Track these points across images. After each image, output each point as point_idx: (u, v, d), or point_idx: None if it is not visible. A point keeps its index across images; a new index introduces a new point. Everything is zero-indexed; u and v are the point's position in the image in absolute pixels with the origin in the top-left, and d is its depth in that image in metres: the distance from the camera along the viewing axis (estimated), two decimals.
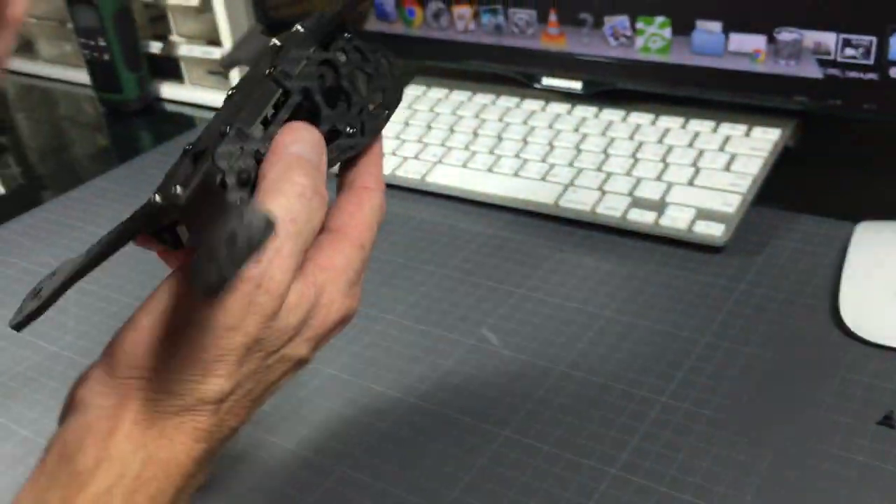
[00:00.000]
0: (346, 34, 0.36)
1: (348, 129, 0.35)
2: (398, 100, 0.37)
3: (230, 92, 0.34)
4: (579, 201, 0.57)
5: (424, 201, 0.63)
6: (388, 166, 0.64)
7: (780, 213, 0.56)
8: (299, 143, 0.31)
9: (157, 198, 0.31)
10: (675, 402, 0.43)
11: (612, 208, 0.56)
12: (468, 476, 0.40)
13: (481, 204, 0.61)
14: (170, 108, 0.86)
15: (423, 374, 0.46)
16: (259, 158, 0.32)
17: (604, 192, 0.57)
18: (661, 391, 0.43)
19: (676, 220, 0.54)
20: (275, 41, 0.36)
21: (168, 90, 0.86)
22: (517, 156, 0.62)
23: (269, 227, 0.25)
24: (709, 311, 0.49)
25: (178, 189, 0.30)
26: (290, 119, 0.33)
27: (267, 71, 0.33)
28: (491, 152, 0.63)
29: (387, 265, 0.56)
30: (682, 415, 0.42)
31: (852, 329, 0.45)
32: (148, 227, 0.33)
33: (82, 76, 0.90)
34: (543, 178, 0.60)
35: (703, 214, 0.54)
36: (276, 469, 0.41)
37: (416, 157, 0.65)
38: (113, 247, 0.33)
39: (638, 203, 0.56)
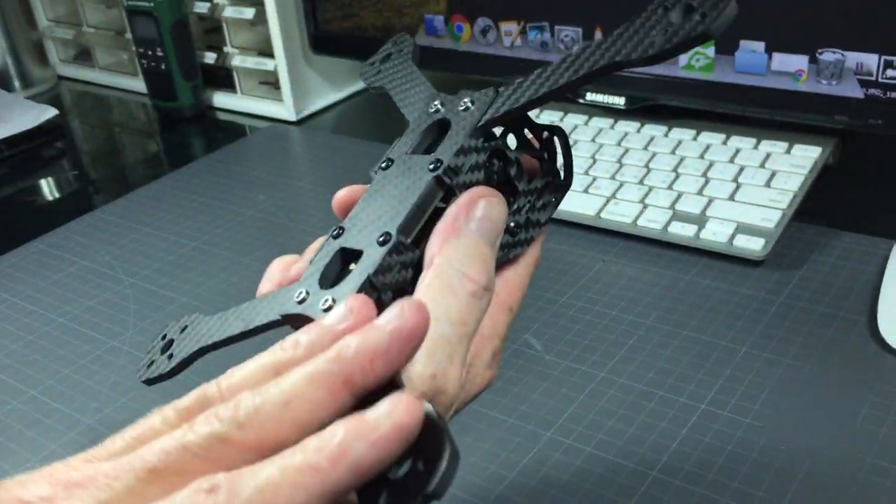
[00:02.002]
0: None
1: (513, 226, 0.31)
2: (568, 185, 0.33)
3: (384, 164, 0.32)
4: (621, 213, 0.59)
5: None
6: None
7: (820, 230, 0.57)
8: (481, 219, 0.28)
9: (319, 312, 0.29)
10: (715, 409, 0.44)
11: (654, 221, 0.57)
12: (510, 475, 0.41)
13: None
14: (222, 116, 0.89)
15: None
16: (418, 269, 0.29)
17: (645, 205, 0.59)
18: (702, 398, 0.45)
19: (717, 233, 0.55)
20: (437, 105, 0.33)
21: (221, 99, 0.89)
22: None
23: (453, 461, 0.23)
24: (748, 322, 0.50)
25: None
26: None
27: (431, 165, 0.30)
28: None
29: None
30: (722, 421, 0.43)
31: (890, 343, 0.46)
32: (290, 322, 0.30)
33: (137, 84, 0.93)
34: (586, 191, 0.61)
35: (744, 229, 0.55)
36: None
37: None
38: (254, 332, 0.32)
39: (679, 216, 0.57)
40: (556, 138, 0.33)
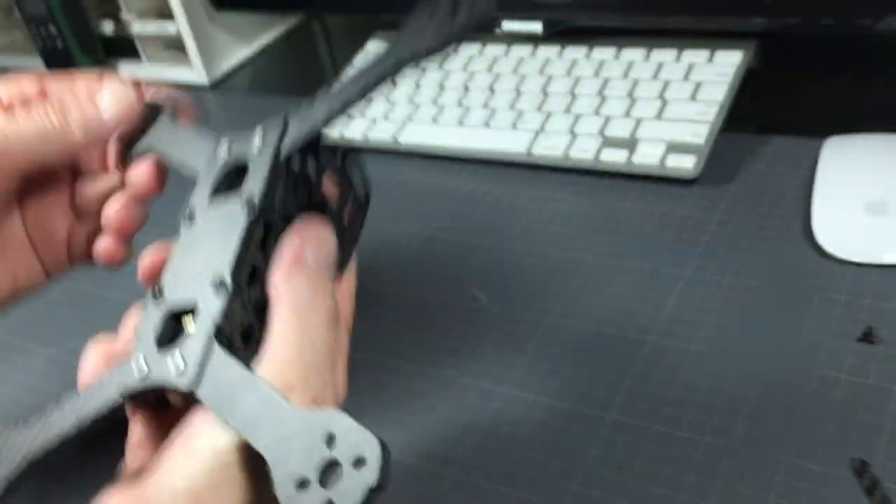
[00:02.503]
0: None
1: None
2: (367, 202, 0.36)
3: (188, 212, 0.32)
4: (551, 146, 0.58)
5: (398, 161, 0.63)
6: (359, 129, 0.64)
7: (749, 137, 0.57)
8: (317, 252, 0.30)
9: (172, 377, 0.29)
10: (665, 340, 0.44)
11: (585, 150, 0.57)
12: (471, 436, 0.41)
13: (455, 159, 0.61)
14: None
15: (413, 337, 0.47)
16: (260, 307, 0.30)
17: (574, 135, 0.58)
18: (649, 331, 0.45)
19: (648, 156, 0.55)
20: (225, 147, 0.34)
21: (127, 69, 0.85)
22: (486, 106, 0.63)
23: None
24: (687, 245, 0.50)
25: (189, 375, 0.29)
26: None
27: (244, 206, 0.31)
28: (459, 104, 0.64)
29: (371, 231, 0.56)
30: (672, 352, 0.43)
31: (826, 248, 0.47)
32: (135, 399, 0.30)
33: (36, 62, 0.89)
34: (514, 127, 0.60)
35: (674, 147, 0.55)
36: None
37: (385, 118, 0.65)
38: (98, 419, 0.30)
39: (609, 142, 0.57)
40: (347, 161, 0.35)
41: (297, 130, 0.32)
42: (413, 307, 0.50)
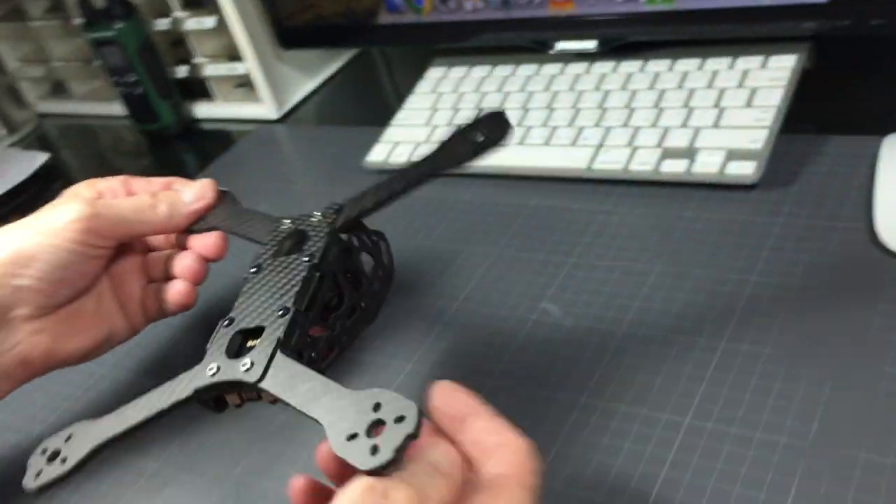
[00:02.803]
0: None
1: (362, 304, 0.45)
2: (391, 276, 0.48)
3: (254, 269, 0.43)
4: (611, 161, 0.60)
5: (465, 183, 0.66)
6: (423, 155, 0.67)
7: (808, 139, 0.58)
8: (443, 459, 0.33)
9: (241, 374, 0.38)
10: (735, 344, 0.46)
11: (644, 163, 0.58)
12: (555, 448, 0.44)
13: (518, 178, 0.64)
14: (207, 126, 0.90)
15: (494, 355, 0.50)
16: (312, 337, 0.41)
17: (634, 148, 0.60)
18: (720, 336, 0.46)
19: (707, 164, 0.56)
20: (287, 222, 0.46)
21: (202, 110, 0.90)
22: (545, 124, 0.65)
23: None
24: (752, 250, 0.51)
25: (256, 373, 0.38)
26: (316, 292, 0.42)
27: (306, 258, 0.42)
28: (520, 124, 0.66)
29: (443, 253, 0.59)
30: (743, 357, 0.45)
31: (889, 247, 0.48)
32: (203, 394, 0.39)
33: (117, 108, 0.94)
34: (574, 143, 0.62)
35: (733, 155, 0.56)
36: None
37: None
38: (159, 417, 0.39)
39: (668, 153, 0.58)
40: (381, 242, 0.48)
41: (349, 212, 0.44)
42: (486, 325, 0.52)
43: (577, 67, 0.69)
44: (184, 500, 0.48)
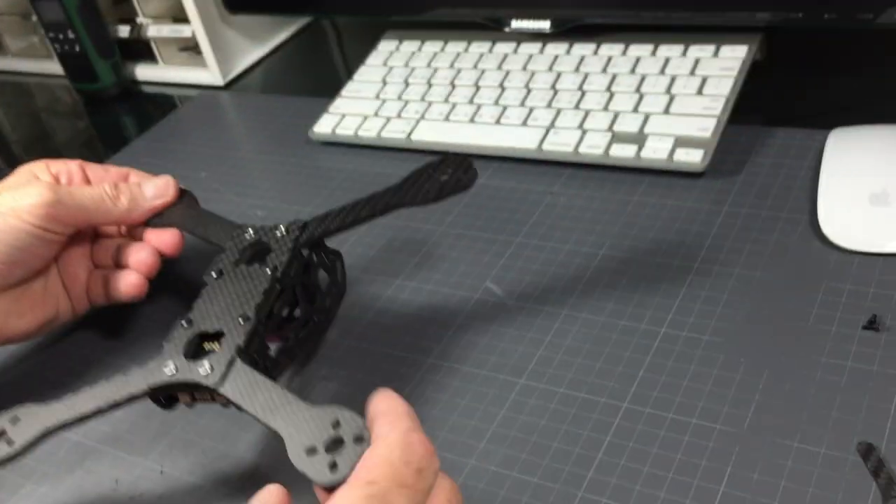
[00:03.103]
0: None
1: (315, 318, 0.48)
2: (343, 292, 0.51)
3: (217, 268, 0.45)
4: (561, 143, 0.59)
5: (413, 158, 0.64)
6: (373, 128, 0.66)
7: (755, 129, 0.58)
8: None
9: (200, 377, 0.40)
10: (675, 330, 0.46)
11: (594, 146, 0.58)
12: (491, 427, 0.43)
13: (468, 155, 0.63)
14: (148, 89, 0.87)
15: (435, 333, 0.49)
16: (263, 340, 0.43)
17: (584, 131, 0.59)
18: (661, 322, 0.46)
19: (657, 150, 0.56)
20: (251, 232, 0.47)
21: (143, 72, 0.87)
22: (497, 103, 0.64)
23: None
24: (696, 237, 0.51)
25: (215, 377, 0.39)
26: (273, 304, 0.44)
27: (269, 270, 0.44)
28: (471, 102, 0.65)
29: (386, 229, 0.58)
30: (683, 342, 0.45)
31: (831, 239, 0.48)
32: (157, 392, 0.41)
33: (54, 67, 0.90)
34: (524, 123, 0.62)
35: (682, 142, 0.56)
36: None
37: (398, 116, 0.66)
38: (111, 408, 0.40)
39: (618, 138, 0.58)
40: (336, 259, 0.50)
41: (312, 231, 0.46)
42: (429, 302, 0.51)
43: (530, 48, 0.68)
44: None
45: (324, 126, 0.68)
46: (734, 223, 0.52)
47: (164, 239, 0.51)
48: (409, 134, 0.64)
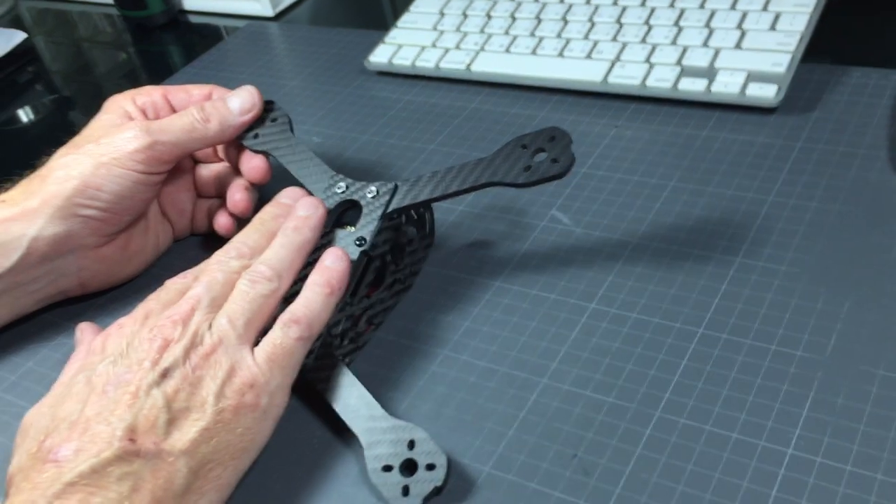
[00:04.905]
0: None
1: (401, 277, 0.47)
2: (432, 242, 0.49)
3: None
4: (628, 76, 0.58)
5: (472, 90, 0.63)
6: (431, 58, 0.65)
7: (830, 68, 0.57)
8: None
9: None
10: (751, 260, 0.45)
11: (663, 79, 0.57)
12: (564, 348, 0.42)
13: (529, 87, 0.62)
14: (195, 19, 0.86)
15: (502, 257, 0.48)
16: (355, 318, 0.44)
17: (651, 65, 0.58)
18: (736, 251, 0.45)
19: (728, 84, 0.55)
20: (343, 186, 0.46)
21: (191, 2, 0.86)
22: (559, 35, 0.63)
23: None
24: (770, 171, 0.50)
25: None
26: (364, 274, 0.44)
27: (357, 241, 0.43)
28: (532, 34, 0.64)
29: (446, 157, 0.57)
30: (759, 272, 0.44)
31: None
32: None
33: None
34: (589, 56, 0.60)
35: (755, 77, 0.55)
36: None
37: (457, 48, 0.65)
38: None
39: (687, 72, 0.57)
40: (427, 213, 0.48)
41: (402, 198, 0.44)
42: (495, 227, 0.50)
43: None
44: None
45: (380, 56, 0.67)
46: (809, 158, 0.50)
47: (255, 165, 0.50)
48: (469, 65, 0.63)
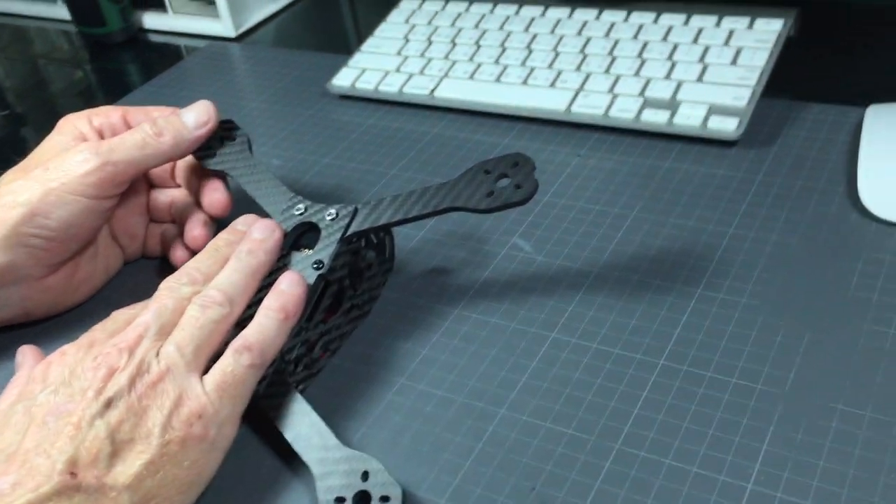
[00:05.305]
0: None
1: (359, 302, 0.46)
2: (391, 267, 0.48)
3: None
4: (591, 105, 0.58)
5: (435, 116, 0.63)
6: (395, 83, 0.64)
7: (789, 104, 0.57)
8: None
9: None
10: (711, 292, 0.45)
11: (625, 110, 0.57)
12: (523, 378, 0.42)
13: (493, 115, 0.61)
14: (155, 38, 0.84)
15: (462, 284, 0.48)
16: (310, 344, 0.43)
17: (615, 95, 0.58)
18: (696, 283, 0.45)
19: (690, 117, 0.55)
20: (301, 208, 0.45)
21: (152, 20, 0.84)
22: (523, 64, 0.63)
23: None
24: (730, 203, 0.50)
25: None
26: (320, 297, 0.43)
27: (314, 264, 0.42)
28: (496, 62, 0.64)
29: (408, 182, 0.56)
30: (719, 304, 0.44)
31: (871, 210, 0.47)
32: None
33: (58, 11, 0.88)
34: (553, 85, 0.60)
35: (716, 110, 0.55)
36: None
37: (421, 73, 0.65)
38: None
39: (650, 103, 0.57)
40: (386, 237, 0.47)
41: (362, 221, 0.43)
42: (457, 255, 0.50)
43: (558, 12, 0.66)
44: None
45: (343, 79, 0.66)
46: (769, 192, 0.51)
47: (215, 199, 0.48)
48: (433, 91, 0.63)
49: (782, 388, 0.39)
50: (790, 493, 0.35)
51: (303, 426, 0.38)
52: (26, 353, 0.40)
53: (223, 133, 0.50)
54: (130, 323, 0.37)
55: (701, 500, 0.35)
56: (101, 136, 0.48)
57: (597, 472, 0.37)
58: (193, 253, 0.49)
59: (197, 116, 0.48)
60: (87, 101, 0.77)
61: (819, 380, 0.39)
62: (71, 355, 0.36)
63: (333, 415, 0.41)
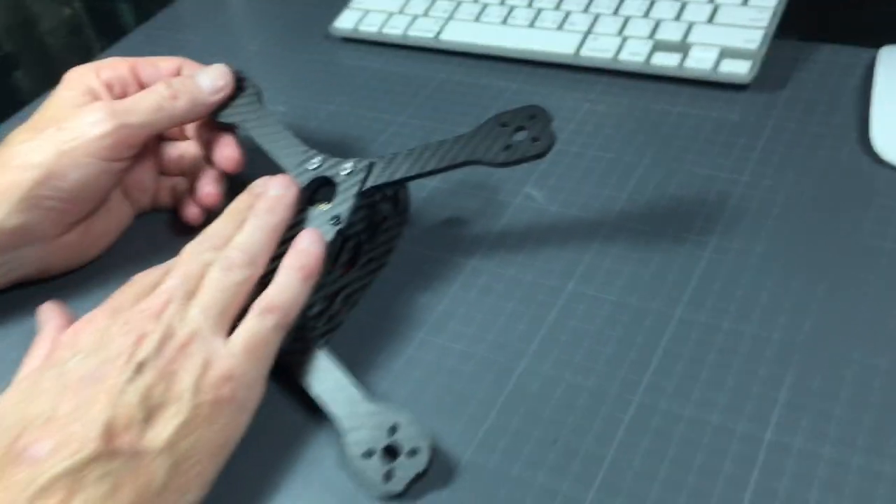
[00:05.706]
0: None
1: (376, 255, 0.45)
2: (407, 219, 0.48)
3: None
4: (600, 49, 0.57)
5: (440, 59, 0.62)
6: (399, 25, 0.63)
7: (801, 46, 0.57)
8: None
9: None
10: (727, 242, 0.45)
11: (636, 53, 0.56)
12: (542, 331, 0.42)
13: (499, 58, 0.61)
14: None
15: (476, 236, 0.48)
16: (331, 298, 0.43)
17: (624, 38, 0.57)
18: (711, 232, 0.45)
19: (701, 60, 0.54)
20: (316, 162, 0.44)
21: None
22: (530, 5, 0.61)
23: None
24: (743, 150, 0.50)
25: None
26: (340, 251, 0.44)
27: (332, 220, 0.42)
28: (502, 3, 0.62)
29: (416, 130, 0.56)
30: (735, 253, 0.44)
31: (883, 157, 0.47)
32: None
33: None
34: (560, 28, 0.59)
35: (727, 53, 0.54)
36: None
37: (426, 15, 0.63)
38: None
39: (660, 46, 0.56)
40: (401, 191, 0.47)
41: (378, 175, 0.43)
42: (471, 205, 0.50)
43: None
44: None
45: (345, 21, 0.65)
46: (781, 137, 0.50)
47: (227, 155, 0.48)
48: (438, 34, 0.62)
49: (799, 338, 0.40)
50: (808, 440, 0.36)
51: (329, 381, 0.38)
52: (49, 312, 0.40)
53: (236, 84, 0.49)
54: (154, 287, 0.37)
55: (720, 449, 0.36)
56: (111, 90, 0.47)
57: (618, 423, 0.37)
58: (206, 210, 0.49)
59: (213, 81, 0.47)
60: (79, 40, 0.75)
61: (835, 328, 0.40)
62: (99, 321, 0.36)
63: (355, 370, 0.41)
